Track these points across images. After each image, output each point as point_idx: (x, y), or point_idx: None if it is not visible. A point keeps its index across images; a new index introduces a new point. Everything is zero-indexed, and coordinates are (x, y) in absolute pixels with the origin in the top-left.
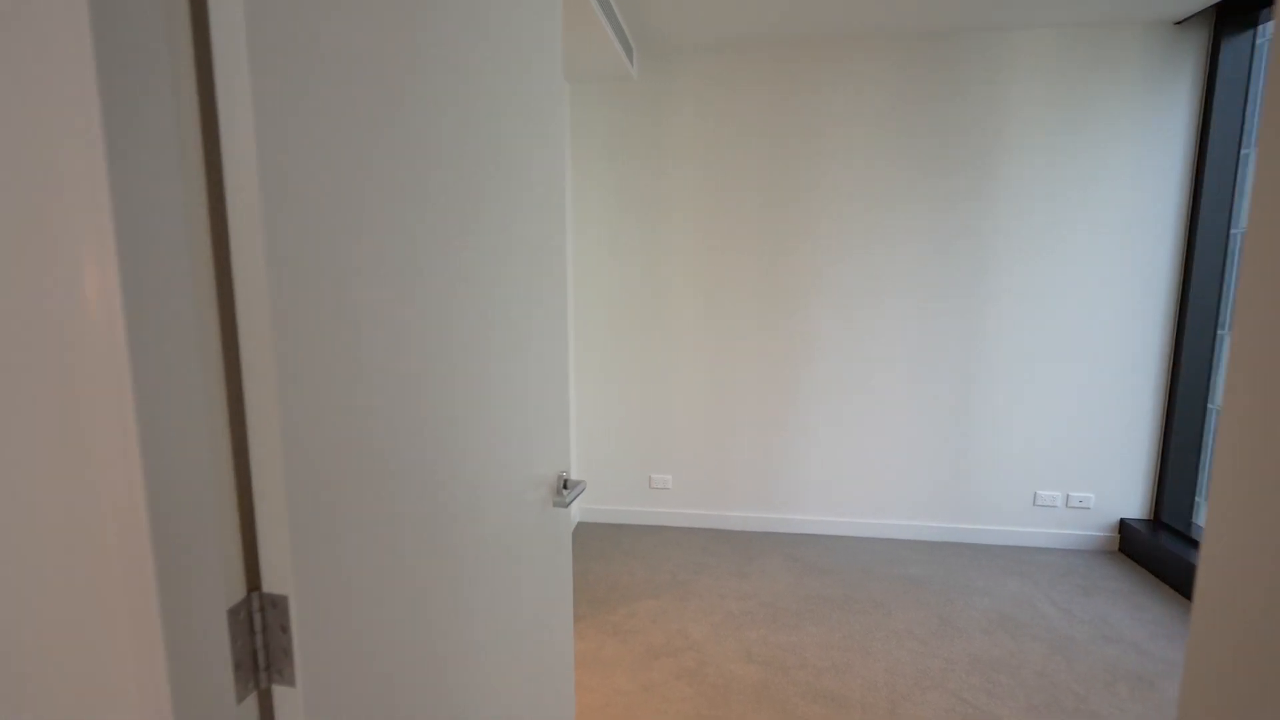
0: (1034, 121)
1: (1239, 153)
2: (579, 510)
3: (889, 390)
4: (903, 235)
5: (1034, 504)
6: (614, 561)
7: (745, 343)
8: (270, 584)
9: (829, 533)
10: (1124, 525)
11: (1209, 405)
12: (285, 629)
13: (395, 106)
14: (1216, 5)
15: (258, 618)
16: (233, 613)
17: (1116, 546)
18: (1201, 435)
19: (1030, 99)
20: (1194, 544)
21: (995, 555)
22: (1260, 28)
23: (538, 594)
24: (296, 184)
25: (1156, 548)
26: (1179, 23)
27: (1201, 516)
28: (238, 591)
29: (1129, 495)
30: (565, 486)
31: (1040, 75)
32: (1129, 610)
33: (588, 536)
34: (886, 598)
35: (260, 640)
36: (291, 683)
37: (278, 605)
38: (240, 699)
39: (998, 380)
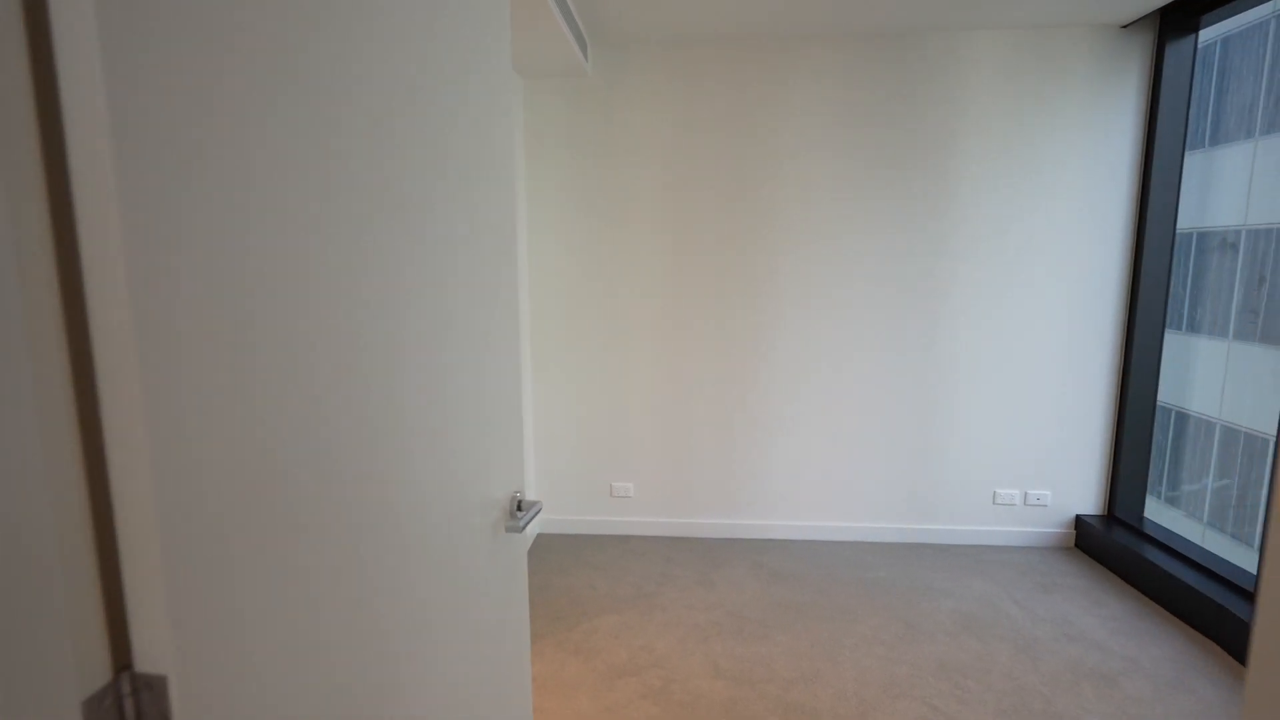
0: (987, 121)
1: (1183, 154)
2: (538, 522)
3: (849, 393)
4: (860, 237)
5: (993, 503)
6: (574, 574)
7: (705, 346)
8: (144, 662)
9: (793, 537)
10: (1079, 521)
11: (1157, 402)
12: (166, 716)
13: (321, 101)
14: (1160, 10)
15: (129, 704)
16: (92, 702)
17: (1073, 542)
18: (1151, 432)
19: (983, 99)
20: (1145, 538)
21: (957, 555)
22: (1200, 33)
23: (490, 628)
24: (179, 168)
25: (1110, 543)
26: (1125, 26)
27: (1150, 510)
28: (100, 674)
29: (1083, 492)
30: (520, 508)
31: (992, 75)
32: (1088, 606)
33: (547, 549)
34: (852, 603)
35: None
36: None
37: (154, 688)
38: None
39: (955, 381)
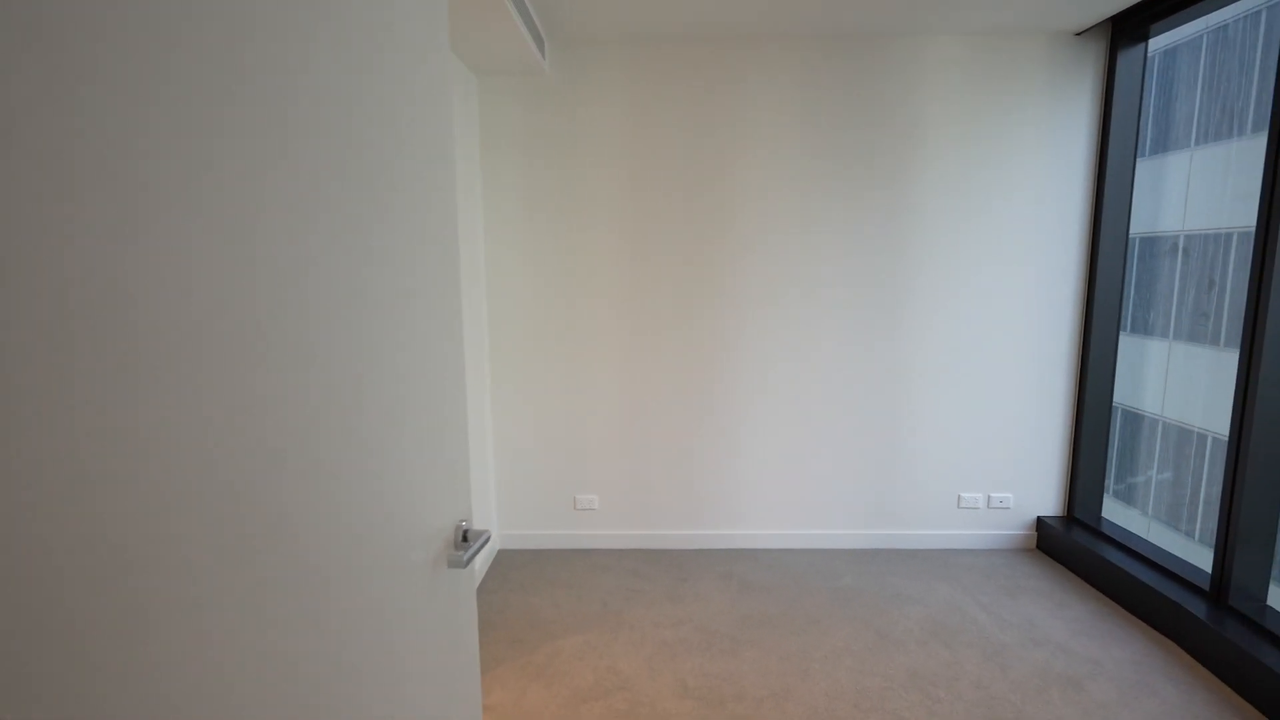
0: (946, 126)
1: (1135, 160)
2: (499, 537)
3: (813, 398)
4: (822, 242)
5: (958, 506)
6: (537, 592)
7: (667, 351)
8: None
9: (761, 546)
10: (1040, 523)
11: (1114, 404)
12: None
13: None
14: (1111, 18)
15: None
16: None
17: (1034, 544)
18: (1108, 433)
19: (942, 104)
20: (1103, 538)
21: (923, 560)
22: (1150, 41)
23: (431, 679)
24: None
25: (1070, 543)
26: (1078, 34)
27: (1108, 510)
28: None
29: (1044, 494)
30: (465, 539)
31: (951, 81)
32: (1051, 609)
33: (508, 565)
34: (822, 613)
35: None
36: None
37: None
38: None
39: (919, 386)
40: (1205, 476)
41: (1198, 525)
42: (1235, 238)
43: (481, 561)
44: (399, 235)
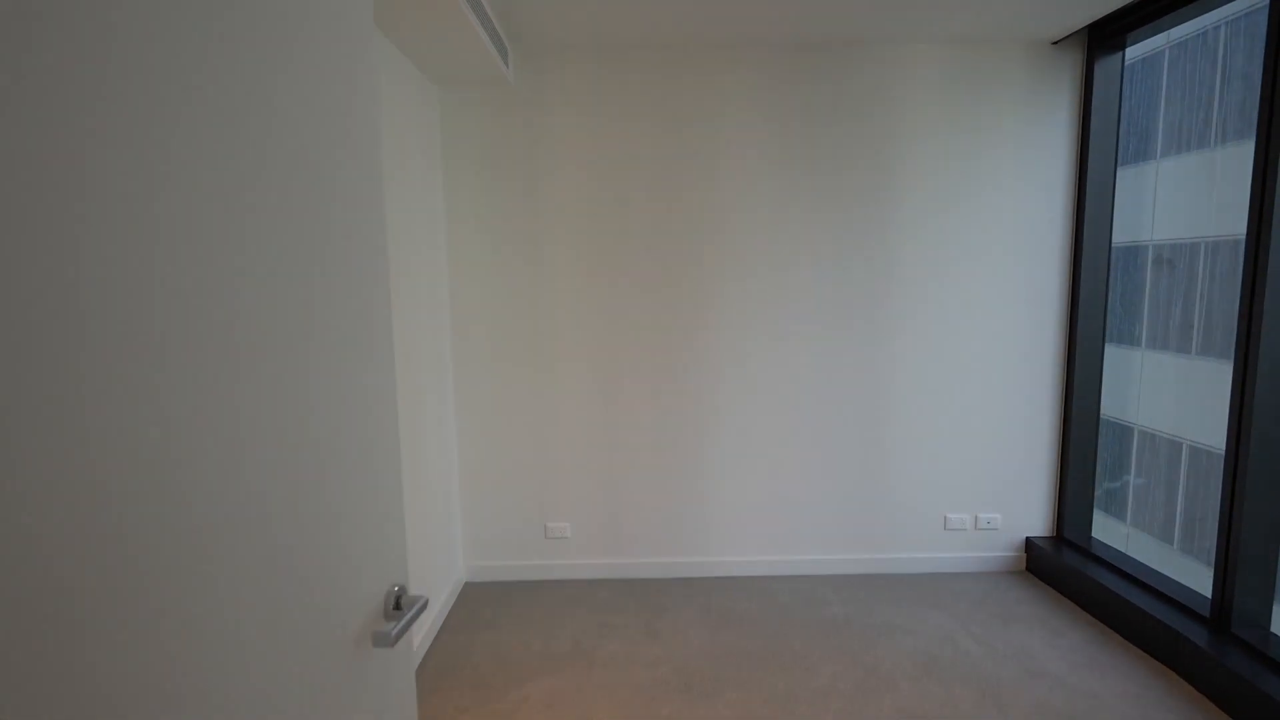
0: (924, 136)
1: (1115, 169)
2: (465, 569)
3: (795, 419)
4: (800, 259)
5: (945, 528)
6: (505, 630)
7: (641, 372)
8: None
9: (742, 573)
10: (1029, 544)
11: (1100, 417)
12: None
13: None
14: (1088, 27)
15: None
16: None
17: (1024, 565)
18: (1095, 448)
19: (919, 113)
20: (1094, 559)
21: (911, 585)
22: (1127, 50)
23: None
24: None
25: (1060, 565)
26: (1055, 43)
27: (1097, 530)
28: None
29: (1032, 513)
30: (399, 606)
31: (928, 90)
32: (1047, 637)
33: (475, 600)
34: (808, 647)
35: None
36: None
37: None
38: None
39: (901, 405)
40: (1182, 485)
41: (1176, 534)
42: (1203, 247)
43: (446, 597)
44: (305, 246)
